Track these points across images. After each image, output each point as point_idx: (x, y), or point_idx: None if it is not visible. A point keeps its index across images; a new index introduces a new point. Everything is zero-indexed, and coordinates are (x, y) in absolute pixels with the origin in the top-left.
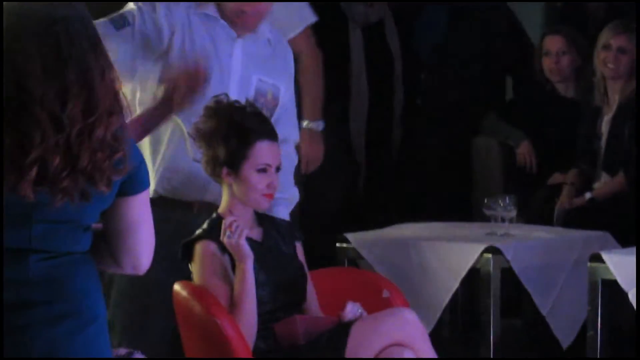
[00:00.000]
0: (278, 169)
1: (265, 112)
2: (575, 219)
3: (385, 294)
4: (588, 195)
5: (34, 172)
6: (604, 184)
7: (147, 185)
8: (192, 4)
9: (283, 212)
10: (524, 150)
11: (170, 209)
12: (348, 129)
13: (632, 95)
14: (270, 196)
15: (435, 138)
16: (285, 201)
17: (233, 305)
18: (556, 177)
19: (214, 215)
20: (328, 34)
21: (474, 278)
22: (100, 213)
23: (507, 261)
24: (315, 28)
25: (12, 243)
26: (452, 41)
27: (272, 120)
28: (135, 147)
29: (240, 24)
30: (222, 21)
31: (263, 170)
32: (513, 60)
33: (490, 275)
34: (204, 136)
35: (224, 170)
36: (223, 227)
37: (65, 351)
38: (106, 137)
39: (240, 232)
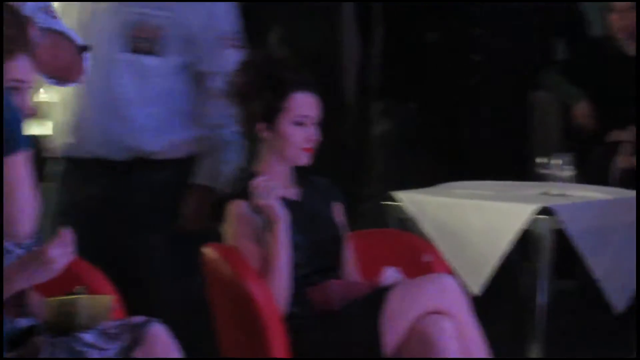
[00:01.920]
0: (318, 122)
1: (146, 45)
2: (633, 178)
3: (427, 258)
4: None
5: None
6: None
7: (23, 145)
8: None
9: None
10: (582, 111)
11: None
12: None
13: None
14: (310, 150)
15: (492, 95)
16: None
17: (265, 268)
18: (616, 135)
19: (247, 171)
20: None
21: (526, 240)
22: None
23: (561, 222)
24: None
25: None
26: None
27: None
28: (7, 101)
29: None
30: None
31: (301, 123)
32: (568, 16)
33: (542, 238)
34: (238, 91)
35: (260, 126)
36: (251, 187)
37: None
38: None
39: (271, 192)
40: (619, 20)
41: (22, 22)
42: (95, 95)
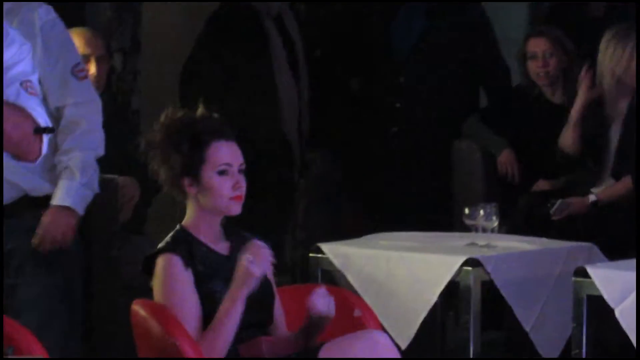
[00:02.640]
0: (241, 169)
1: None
2: (569, 227)
3: (357, 313)
4: (591, 197)
5: None
6: (610, 187)
7: None
8: None
9: None
10: (505, 159)
11: None
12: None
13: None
14: (239, 198)
15: (415, 141)
16: None
17: (211, 327)
18: (541, 184)
19: (178, 227)
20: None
21: (452, 291)
22: None
23: (488, 274)
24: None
25: None
26: (430, 42)
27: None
28: None
29: None
30: None
31: (225, 172)
32: (489, 62)
33: (470, 289)
34: (156, 148)
35: (185, 181)
36: (250, 249)
37: None
38: None
39: (265, 262)
40: (538, 66)
41: None
42: None
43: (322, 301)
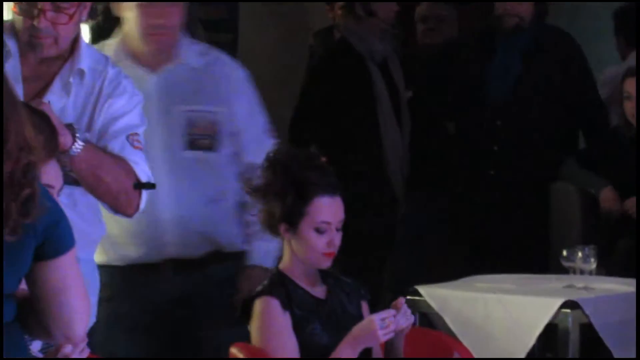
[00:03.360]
0: (339, 226)
1: (206, 141)
2: None
3: (456, 355)
4: None
5: None
6: None
7: (70, 246)
8: None
9: None
10: (608, 197)
11: None
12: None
13: None
14: (331, 254)
15: (512, 184)
16: None
17: None
18: None
19: (275, 270)
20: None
21: (551, 333)
22: (19, 278)
23: (587, 316)
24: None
25: None
26: (527, 85)
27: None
28: (51, 199)
29: (154, 49)
30: (127, 62)
31: (321, 231)
32: (586, 104)
33: (568, 332)
34: (258, 191)
35: (282, 227)
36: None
37: None
38: (15, 173)
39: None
40: (631, 107)
41: (53, 128)
42: (168, 197)
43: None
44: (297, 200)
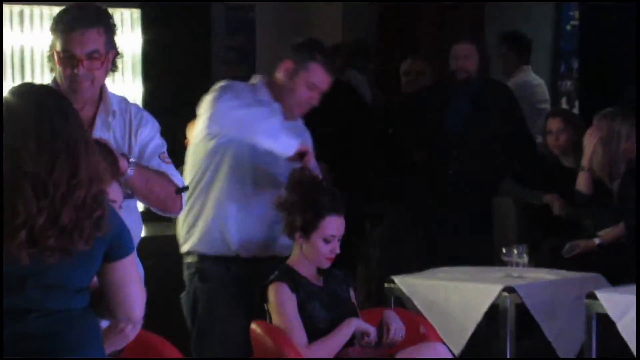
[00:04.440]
0: (339, 238)
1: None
2: (579, 262)
3: (422, 329)
4: (597, 240)
5: (22, 235)
6: (611, 231)
7: (131, 250)
8: None
9: None
10: (551, 198)
11: None
12: None
13: (633, 164)
14: (332, 259)
15: (464, 200)
16: None
17: (317, 343)
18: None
19: (284, 264)
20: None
21: (494, 311)
22: (92, 275)
23: (521, 298)
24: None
25: (13, 305)
26: (475, 123)
27: None
28: (116, 214)
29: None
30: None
31: (328, 241)
32: (520, 137)
33: (507, 310)
34: (285, 206)
35: (297, 234)
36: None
37: None
38: (86, 198)
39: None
40: (553, 140)
41: (114, 157)
42: None
43: (395, 324)
44: (312, 217)
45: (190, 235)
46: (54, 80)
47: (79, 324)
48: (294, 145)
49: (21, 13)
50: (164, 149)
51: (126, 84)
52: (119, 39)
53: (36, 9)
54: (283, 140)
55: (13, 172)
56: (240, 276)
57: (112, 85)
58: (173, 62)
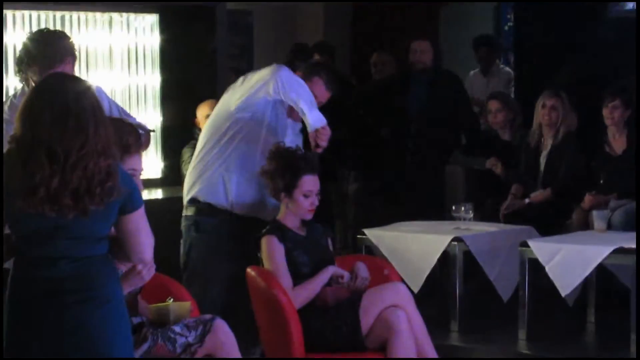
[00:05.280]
0: (317, 193)
1: None
2: (515, 217)
3: (386, 272)
4: (527, 200)
5: (41, 192)
6: (540, 193)
7: (141, 204)
8: None
9: None
10: (492, 162)
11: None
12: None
13: (561, 138)
14: (312, 210)
15: (422, 167)
16: None
17: (301, 286)
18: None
19: (273, 220)
20: None
21: (445, 258)
22: (110, 226)
23: (467, 246)
24: None
25: (46, 253)
26: (430, 104)
27: None
28: (128, 178)
29: None
30: None
31: (308, 195)
32: (466, 116)
33: (456, 256)
34: (268, 174)
35: (282, 195)
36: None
37: (89, 322)
38: (96, 169)
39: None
40: (492, 118)
41: (137, 132)
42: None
43: (362, 274)
44: (291, 178)
45: (195, 184)
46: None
47: (100, 267)
48: (323, 122)
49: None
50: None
51: (147, 75)
52: (142, 39)
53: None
54: (315, 113)
55: (32, 141)
56: (232, 231)
57: (137, 76)
58: (185, 57)
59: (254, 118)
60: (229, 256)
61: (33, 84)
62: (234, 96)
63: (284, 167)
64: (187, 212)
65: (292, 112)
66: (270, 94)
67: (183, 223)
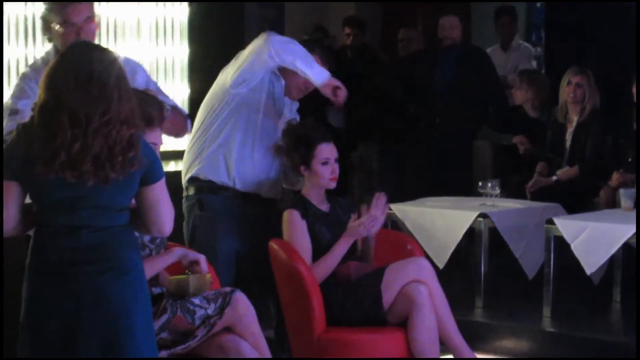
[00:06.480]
0: (336, 160)
1: None
2: (541, 194)
3: (409, 247)
4: (554, 177)
5: (62, 156)
6: (566, 170)
7: (162, 176)
8: None
9: None
10: (519, 139)
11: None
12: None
13: (587, 115)
14: (335, 179)
15: (450, 142)
16: None
17: (323, 258)
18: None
19: (297, 195)
20: None
21: (471, 233)
22: (131, 197)
23: (493, 222)
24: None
25: (68, 222)
26: (458, 81)
27: None
28: (150, 149)
29: None
30: None
31: (326, 163)
32: (494, 92)
33: (482, 232)
34: (283, 150)
35: (302, 168)
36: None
37: (109, 292)
38: (118, 138)
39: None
40: (519, 95)
41: (161, 106)
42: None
43: (374, 212)
44: (306, 150)
45: (194, 162)
46: (54, 47)
47: (121, 237)
48: (326, 75)
49: None
50: (158, 85)
51: (175, 46)
52: (171, 11)
53: None
54: (317, 68)
55: (54, 105)
56: (234, 208)
57: (165, 47)
58: (213, 28)
59: (252, 92)
60: (232, 233)
61: (57, 29)
62: (228, 74)
63: (297, 141)
64: (189, 191)
65: (289, 90)
66: (266, 61)
67: (185, 204)
